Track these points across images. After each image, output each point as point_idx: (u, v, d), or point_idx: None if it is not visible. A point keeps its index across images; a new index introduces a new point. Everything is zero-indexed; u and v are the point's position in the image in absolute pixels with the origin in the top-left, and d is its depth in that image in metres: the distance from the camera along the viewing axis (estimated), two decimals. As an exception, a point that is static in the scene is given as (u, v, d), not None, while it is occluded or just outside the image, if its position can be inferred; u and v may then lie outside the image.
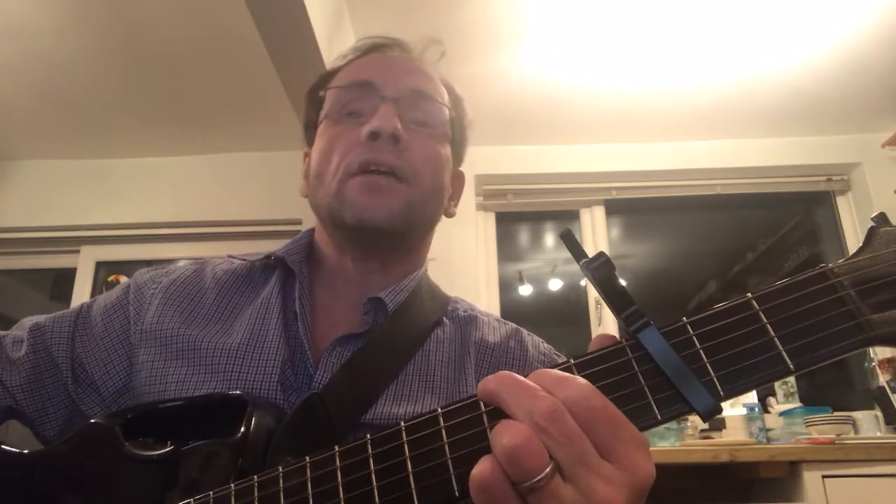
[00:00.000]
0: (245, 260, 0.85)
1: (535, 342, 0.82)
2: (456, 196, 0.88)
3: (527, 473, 0.37)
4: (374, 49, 0.86)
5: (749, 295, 0.42)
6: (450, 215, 0.86)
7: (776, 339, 0.41)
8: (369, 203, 0.73)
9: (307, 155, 0.86)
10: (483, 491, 0.38)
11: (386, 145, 0.73)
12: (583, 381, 0.40)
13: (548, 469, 0.37)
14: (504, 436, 0.38)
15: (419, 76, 0.81)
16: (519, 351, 0.79)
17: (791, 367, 0.40)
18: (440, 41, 0.87)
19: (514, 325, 0.84)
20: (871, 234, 0.42)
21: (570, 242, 0.45)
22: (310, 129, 0.86)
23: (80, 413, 0.75)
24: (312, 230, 0.87)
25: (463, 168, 0.91)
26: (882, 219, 0.43)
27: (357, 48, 0.87)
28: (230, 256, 0.87)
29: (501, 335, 0.81)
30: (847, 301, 0.40)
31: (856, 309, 0.40)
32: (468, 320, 0.82)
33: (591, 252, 0.44)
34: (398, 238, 0.77)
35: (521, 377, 0.41)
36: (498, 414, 0.42)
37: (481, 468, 0.39)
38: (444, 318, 0.81)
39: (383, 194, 0.73)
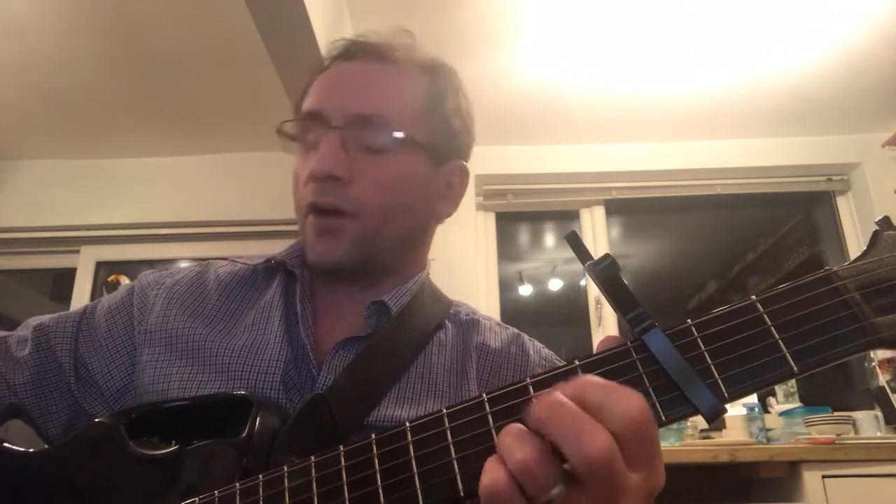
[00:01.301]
0: (247, 263, 0.85)
1: (536, 348, 0.82)
2: (453, 195, 0.84)
3: (542, 489, 0.37)
4: (339, 57, 0.82)
5: (753, 297, 0.43)
6: (445, 216, 0.84)
7: (780, 341, 0.41)
8: (321, 247, 0.74)
9: None
10: (496, 502, 0.38)
11: (327, 185, 0.73)
12: (636, 401, 0.39)
13: (561, 485, 0.37)
14: (517, 451, 0.38)
15: (369, 94, 0.76)
16: (520, 356, 0.79)
17: (795, 369, 0.40)
18: (408, 30, 0.84)
19: (515, 330, 0.84)
20: (875, 238, 0.43)
21: (576, 245, 0.45)
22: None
23: (83, 412, 0.75)
24: None
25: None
26: (886, 222, 0.43)
27: (329, 52, 0.84)
28: (232, 259, 0.87)
29: (503, 340, 0.81)
30: (851, 304, 0.41)
31: (860, 312, 0.40)
32: (470, 324, 0.82)
33: (593, 253, 0.44)
34: (364, 267, 0.76)
35: (570, 404, 0.39)
36: (503, 415, 0.42)
37: (494, 477, 0.38)
38: (447, 322, 0.81)
39: (330, 237, 0.73)
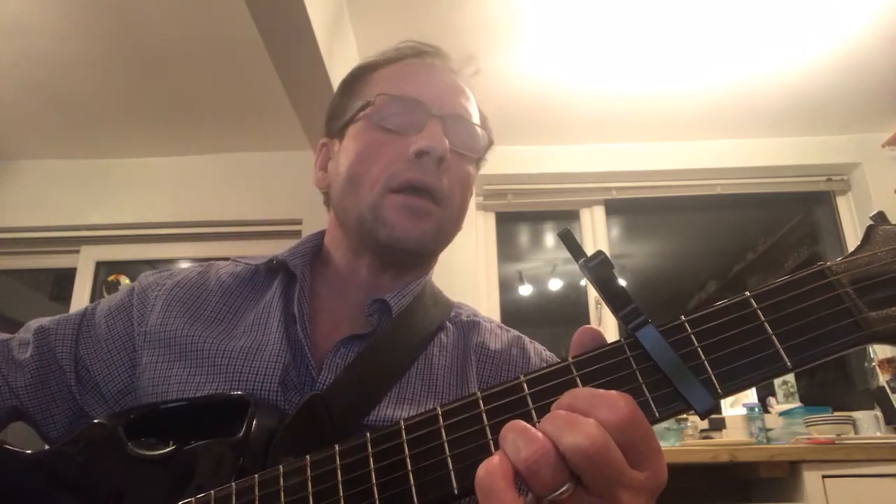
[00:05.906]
0: (249, 263, 0.85)
1: (537, 350, 0.81)
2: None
3: (547, 487, 0.37)
4: (416, 54, 0.84)
5: (747, 293, 0.42)
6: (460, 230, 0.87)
7: (774, 336, 0.41)
8: (407, 226, 0.73)
9: (324, 146, 0.86)
10: (501, 501, 0.38)
11: (431, 165, 0.73)
12: (623, 402, 0.39)
13: (569, 482, 0.37)
14: (522, 449, 0.38)
15: (462, 97, 0.81)
16: (521, 359, 0.79)
17: (789, 364, 0.40)
18: (476, 58, 0.87)
19: (516, 333, 0.84)
20: (869, 232, 0.42)
21: (569, 242, 0.45)
22: (336, 119, 0.84)
23: (84, 414, 0.75)
24: (322, 233, 0.87)
25: None
26: (881, 217, 0.43)
27: (399, 49, 0.86)
28: (234, 260, 0.87)
29: (503, 343, 0.80)
30: (845, 299, 0.40)
31: (853, 307, 0.40)
32: (471, 325, 0.82)
33: (590, 252, 0.44)
34: (425, 257, 0.80)
35: (560, 411, 0.40)
36: (498, 413, 0.42)
37: (489, 470, 0.38)
38: (448, 323, 0.81)
39: (421, 218, 0.74)
